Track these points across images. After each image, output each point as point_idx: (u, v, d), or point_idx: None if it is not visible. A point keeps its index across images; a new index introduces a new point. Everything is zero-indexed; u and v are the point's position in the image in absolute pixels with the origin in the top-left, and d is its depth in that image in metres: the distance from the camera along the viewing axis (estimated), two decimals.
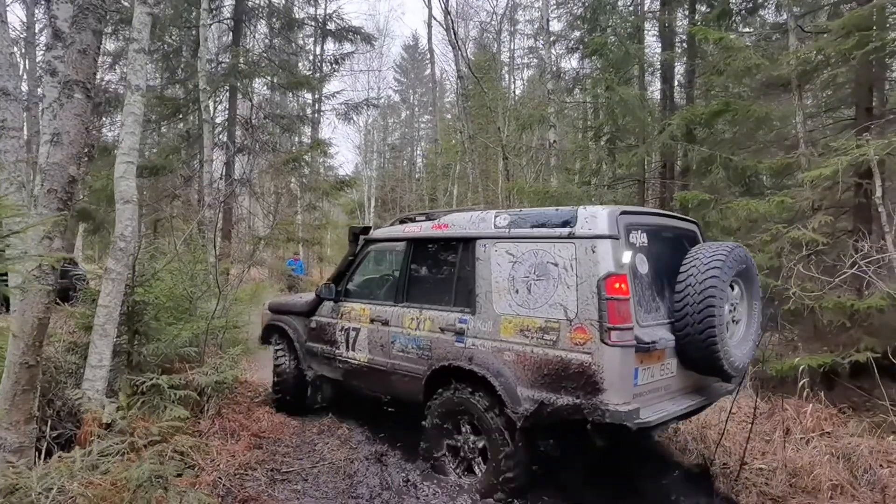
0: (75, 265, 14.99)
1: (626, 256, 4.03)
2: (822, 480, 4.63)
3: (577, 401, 3.90)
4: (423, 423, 4.82)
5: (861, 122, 8.68)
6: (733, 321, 4.56)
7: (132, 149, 5.42)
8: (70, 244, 16.55)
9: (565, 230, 4.13)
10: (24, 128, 6.63)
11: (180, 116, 16.90)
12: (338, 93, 21.20)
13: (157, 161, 15.10)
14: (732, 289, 4.52)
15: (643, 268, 4.23)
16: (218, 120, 15.82)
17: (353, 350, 5.62)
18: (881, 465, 4.77)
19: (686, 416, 4.76)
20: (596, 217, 4.03)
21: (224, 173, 15.23)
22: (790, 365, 6.90)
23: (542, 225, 4.31)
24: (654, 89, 15.19)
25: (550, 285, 4.14)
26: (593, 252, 3.95)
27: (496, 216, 4.68)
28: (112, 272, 5.05)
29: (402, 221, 5.88)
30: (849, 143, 7.22)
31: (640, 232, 4.29)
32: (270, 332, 6.71)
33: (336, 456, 5.09)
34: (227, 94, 15.75)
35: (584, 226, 4.04)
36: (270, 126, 16.64)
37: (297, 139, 19.87)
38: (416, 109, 41.67)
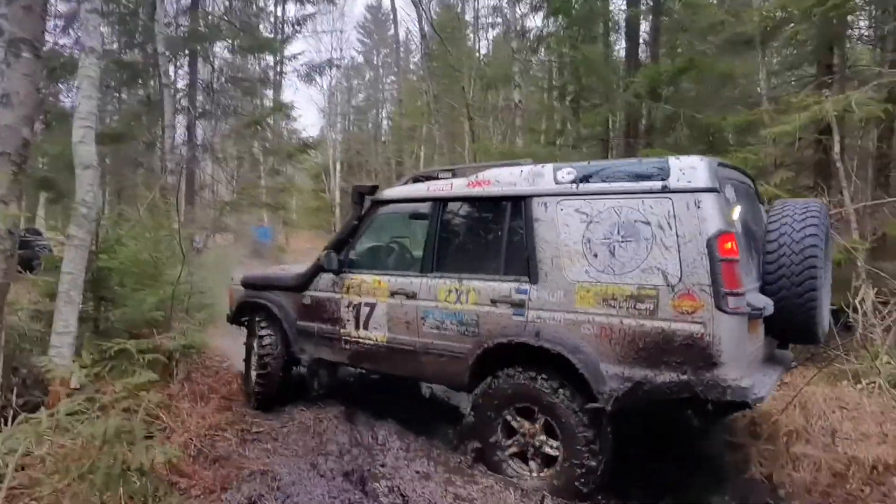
0: (38, 235, 14.59)
1: (736, 212, 3.69)
2: (780, 428, 4.83)
3: (685, 377, 3.44)
4: (470, 412, 4.26)
5: (822, 79, 8.86)
6: (822, 285, 4.13)
7: (90, 113, 5.25)
8: (32, 214, 16.06)
9: (657, 184, 3.63)
10: None
11: (140, 82, 16.35)
12: (299, 54, 20.73)
13: (118, 128, 14.66)
14: (823, 250, 4.09)
15: (739, 225, 3.77)
16: (179, 85, 15.38)
17: (366, 329, 4.85)
18: (833, 411, 4.99)
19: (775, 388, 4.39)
20: (695, 168, 3.57)
21: (186, 139, 14.87)
22: None
23: (622, 179, 3.78)
24: (619, 48, 15.15)
25: (642, 247, 3.62)
26: (697, 208, 3.48)
27: (556, 170, 4.07)
28: (74, 238, 4.95)
29: (417, 180, 5.18)
30: (808, 100, 7.35)
31: (729, 185, 3.88)
32: (246, 312, 5.88)
33: (305, 416, 5.12)
34: (188, 58, 15.27)
35: (681, 178, 3.57)
36: (232, 90, 16.23)
37: (259, 102, 19.44)
38: (381, 71, 41.00)
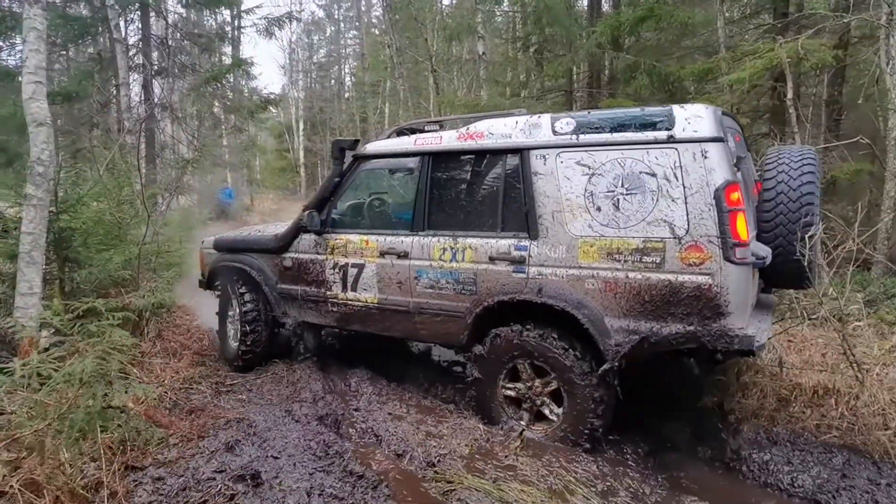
0: None
1: (739, 162, 3.63)
2: (731, 361, 5.11)
3: (692, 328, 3.47)
4: (471, 370, 4.27)
5: (777, 27, 9.00)
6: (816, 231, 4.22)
7: (39, 68, 5.08)
8: None
9: (662, 133, 3.54)
10: None
11: (89, 38, 15.68)
12: (257, 7, 20.07)
13: (70, 86, 14.10)
14: (819, 198, 4.14)
15: (740, 175, 3.71)
16: (131, 41, 14.80)
17: (354, 290, 4.74)
18: (782, 344, 5.29)
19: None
20: (701, 117, 3.49)
21: (143, 97, 14.42)
22: None
23: (625, 128, 3.67)
24: None
25: (647, 199, 3.55)
26: (704, 158, 3.42)
27: (554, 121, 3.94)
28: (33, 198, 4.87)
29: (400, 133, 4.99)
30: (762, 47, 7.49)
31: (730, 134, 3.81)
32: (221, 276, 5.69)
33: (278, 368, 5.24)
34: (139, 12, 14.67)
35: (687, 127, 3.49)
36: (188, 46, 15.70)
37: (216, 59, 18.86)
38: (342, 25, 39.90)
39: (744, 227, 3.39)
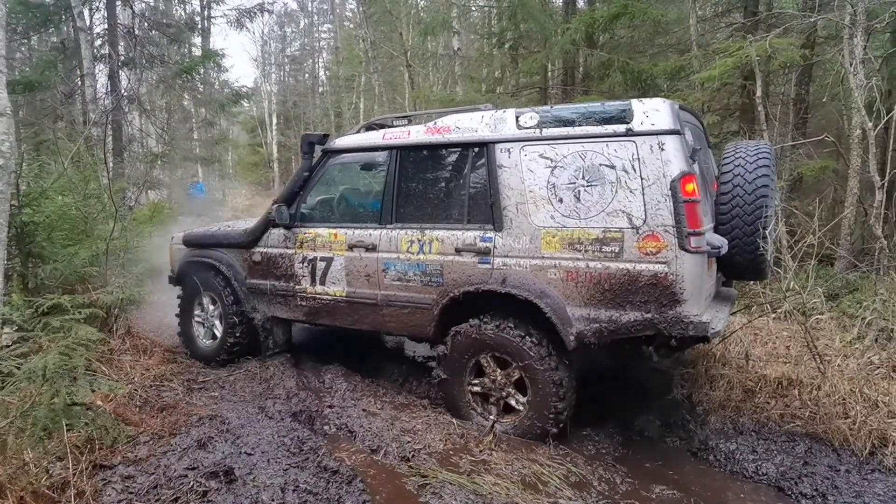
0: None
1: (694, 154, 3.73)
2: (699, 353, 5.22)
3: (649, 315, 3.58)
4: (438, 359, 4.33)
5: (748, 25, 9.15)
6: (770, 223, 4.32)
7: None
8: None
9: (620, 126, 3.65)
10: None
11: (52, 26, 15.23)
12: None
13: (32, 76, 13.71)
14: (773, 191, 4.25)
15: (696, 166, 3.82)
16: (97, 30, 14.42)
17: (323, 284, 4.78)
18: (748, 337, 5.42)
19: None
20: (658, 111, 3.62)
21: (109, 89, 14.07)
22: None
23: (586, 122, 3.78)
24: None
25: (607, 190, 3.67)
26: (661, 150, 3.54)
27: (518, 115, 4.04)
28: None
29: (370, 128, 5.05)
30: (732, 45, 7.62)
31: (688, 128, 3.95)
32: (190, 272, 5.63)
33: (251, 365, 5.18)
34: (104, 0, 14.30)
35: (645, 121, 3.61)
36: (156, 36, 15.36)
37: (186, 51, 18.51)
38: (316, 18, 39.51)
39: (698, 217, 3.50)
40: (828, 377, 4.37)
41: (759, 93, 7.87)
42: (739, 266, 4.19)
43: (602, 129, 3.70)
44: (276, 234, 5.04)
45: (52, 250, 5.51)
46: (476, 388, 4.20)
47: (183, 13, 20.14)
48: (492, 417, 4.07)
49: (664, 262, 3.51)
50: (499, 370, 4.10)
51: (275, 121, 34.22)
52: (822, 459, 3.78)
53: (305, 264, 4.86)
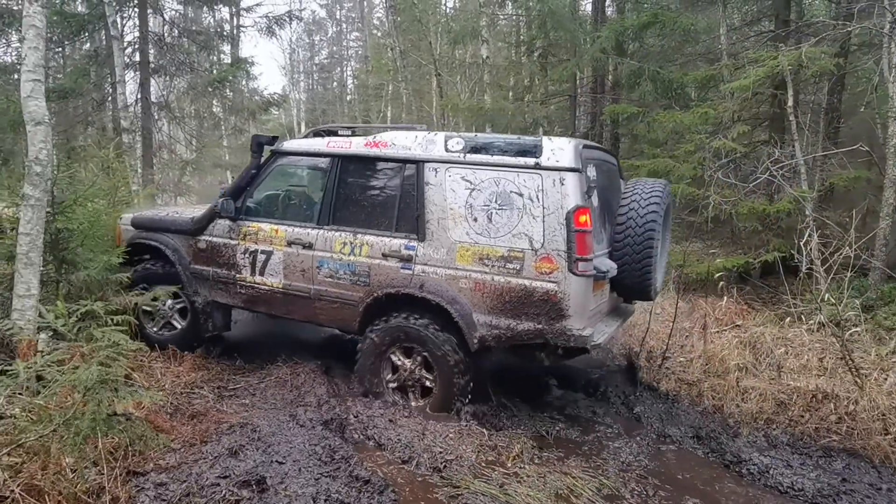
0: None
1: (591, 189, 4.23)
2: (730, 365, 5.13)
3: (540, 326, 4.08)
4: (359, 352, 4.71)
5: (778, 34, 9.02)
6: (658, 253, 4.78)
7: (37, 65, 5.02)
8: None
9: (531, 160, 4.13)
10: None
11: (86, 35, 15.58)
12: (257, 5, 19.96)
13: (66, 84, 14.02)
14: (661, 224, 4.69)
15: (595, 200, 4.37)
16: (128, 38, 14.71)
17: (262, 275, 5.11)
18: (780, 348, 5.32)
19: (613, 336, 5.12)
20: (563, 149, 4.10)
21: (139, 96, 14.34)
22: (709, 267, 7.42)
23: (503, 153, 4.25)
24: (587, 2, 15.12)
25: (514, 215, 4.14)
26: (562, 184, 4.02)
27: (447, 139, 4.48)
28: (31, 198, 4.80)
29: (318, 134, 5.40)
30: (764, 55, 7.51)
31: (592, 165, 4.44)
32: (137, 253, 5.70)
33: (282, 372, 5.17)
34: (136, 9, 14.59)
35: (552, 157, 4.08)
36: (186, 44, 15.62)
37: (215, 58, 18.79)
38: (344, 26, 39.90)
39: (587, 245, 3.98)
40: (865, 391, 4.27)
41: (790, 102, 7.75)
42: (628, 288, 4.67)
43: (516, 160, 4.18)
44: (222, 224, 5.33)
45: (85, 257, 5.60)
46: (393, 379, 4.62)
47: (212, 20, 20.49)
48: (412, 404, 4.53)
49: (555, 282, 4.02)
50: (413, 359, 4.54)
51: (303, 128, 34.50)
52: (861, 476, 3.70)
53: (247, 255, 5.19)
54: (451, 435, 3.97)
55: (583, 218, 3.98)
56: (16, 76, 12.48)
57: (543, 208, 4.06)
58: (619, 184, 5.25)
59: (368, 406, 4.45)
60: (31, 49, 4.99)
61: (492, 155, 4.28)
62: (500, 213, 4.20)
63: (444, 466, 3.55)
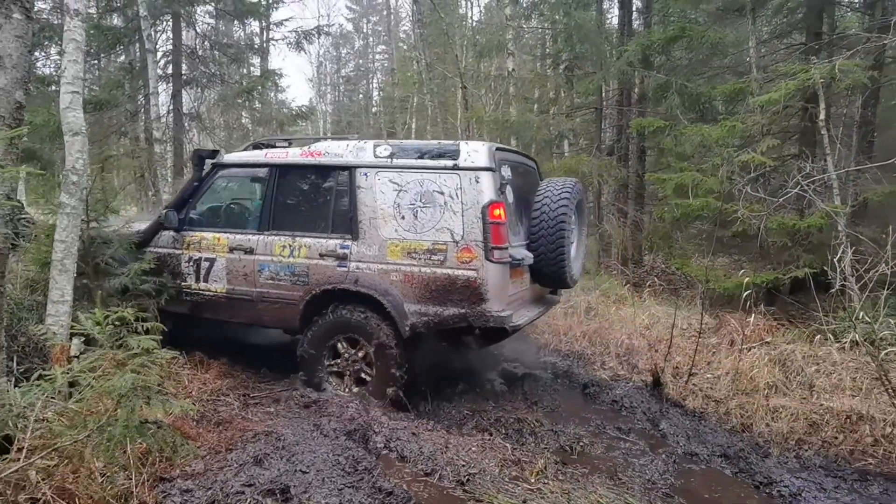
0: (21, 209, 14.35)
1: (504, 186, 4.68)
2: (760, 382, 5.03)
3: (463, 310, 4.50)
4: (301, 347, 5.00)
5: (810, 46, 8.89)
6: (571, 243, 5.22)
7: (76, 78, 5.17)
8: (12, 188, 15.72)
9: (450, 162, 4.57)
10: None
11: (121, 48, 15.99)
12: (286, 20, 20.30)
13: (101, 95, 14.38)
14: (572, 217, 5.15)
15: (510, 197, 4.87)
16: (162, 51, 15.06)
17: (206, 281, 5.41)
18: (811, 367, 5.20)
19: (534, 320, 5.48)
20: (478, 151, 4.57)
21: (171, 107, 14.65)
22: (736, 283, 7.29)
23: (426, 156, 4.69)
24: (613, 15, 15.10)
25: (437, 212, 4.57)
26: (477, 182, 4.48)
27: (376, 146, 4.90)
28: (66, 206, 4.93)
29: (256, 146, 5.76)
30: (795, 68, 7.40)
31: (506, 166, 4.93)
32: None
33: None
34: (170, 22, 14.94)
35: (468, 159, 4.54)
36: (217, 56, 15.93)
37: (245, 70, 19.13)
38: (371, 39, 40.36)
39: (501, 235, 4.43)
40: None
41: (822, 115, 7.62)
42: (546, 276, 5.15)
43: (437, 162, 4.62)
44: (167, 236, 5.61)
45: (117, 263, 5.71)
46: (332, 357, 4.97)
47: (243, 34, 20.89)
48: (345, 392, 4.88)
49: (474, 270, 4.46)
50: (351, 349, 4.91)
51: None
52: None
53: (191, 263, 5.49)
54: (473, 448, 3.96)
55: (497, 211, 4.43)
56: (54, 87, 12.83)
57: (462, 204, 4.50)
58: (536, 183, 5.61)
59: (391, 417, 4.45)
60: (71, 62, 5.14)
61: (416, 159, 4.72)
62: (424, 210, 4.62)
63: (468, 480, 3.52)
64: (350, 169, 4.90)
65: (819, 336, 5.74)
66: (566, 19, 11.11)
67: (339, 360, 4.97)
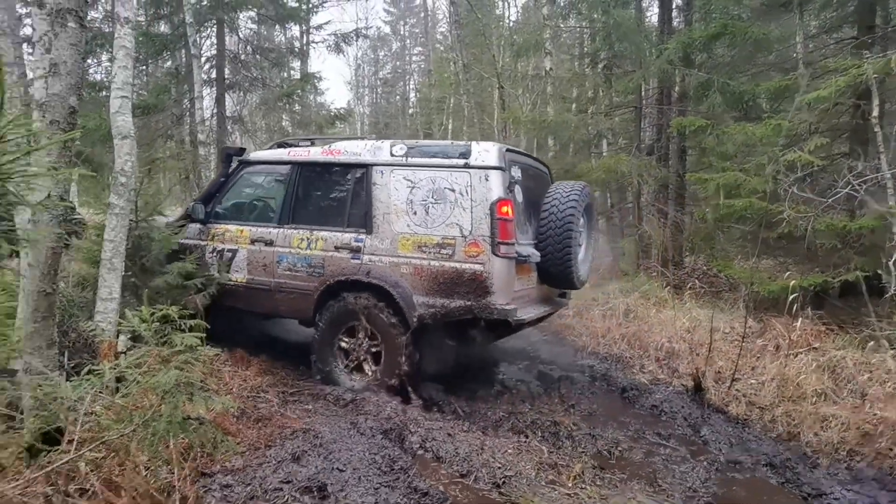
0: (73, 210, 14.89)
1: (512, 185, 4.84)
2: (807, 389, 4.87)
3: (469, 303, 4.65)
4: (315, 336, 5.22)
5: (862, 41, 8.57)
6: (578, 245, 5.39)
7: (126, 83, 5.35)
8: (65, 190, 16.29)
9: (461, 161, 4.78)
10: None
11: (167, 53, 16.45)
12: (325, 24, 20.57)
13: (149, 100, 14.81)
14: (581, 220, 5.36)
15: (519, 196, 5.06)
16: (206, 56, 15.44)
17: (228, 271, 5.71)
18: (862, 374, 4.99)
19: (543, 318, 5.71)
20: (489, 151, 4.77)
21: (215, 110, 15.00)
22: (782, 285, 7.07)
23: (439, 155, 4.91)
24: (652, 13, 14.83)
25: (447, 208, 4.78)
26: (486, 180, 4.67)
27: (392, 145, 5.14)
28: (115, 207, 5.09)
29: (280, 145, 6.04)
30: (847, 63, 7.14)
31: (517, 167, 5.13)
32: None
33: None
34: (214, 28, 15.31)
35: (479, 158, 4.74)
36: (259, 60, 16.25)
37: (285, 74, 19.44)
38: (408, 41, 40.59)
39: (508, 231, 4.62)
40: None
41: (875, 112, 7.32)
42: (553, 276, 5.28)
43: (449, 161, 4.83)
44: (193, 227, 5.95)
45: (162, 262, 5.87)
46: (344, 345, 5.16)
47: (283, 38, 21.24)
48: (354, 381, 5.06)
49: (481, 263, 4.63)
50: (360, 338, 5.08)
51: None
52: None
53: (214, 254, 5.80)
54: (509, 450, 3.93)
55: (504, 208, 4.62)
56: (104, 92, 13.26)
57: (471, 201, 4.70)
58: (549, 184, 5.84)
59: (427, 417, 4.46)
60: (121, 68, 5.31)
61: (430, 158, 4.94)
62: (435, 206, 4.83)
63: (504, 483, 3.50)
64: (367, 167, 5.14)
65: (872, 342, 5.51)
66: (605, 18, 10.95)
67: (349, 349, 5.16)
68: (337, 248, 5.16)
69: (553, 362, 6.35)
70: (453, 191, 4.78)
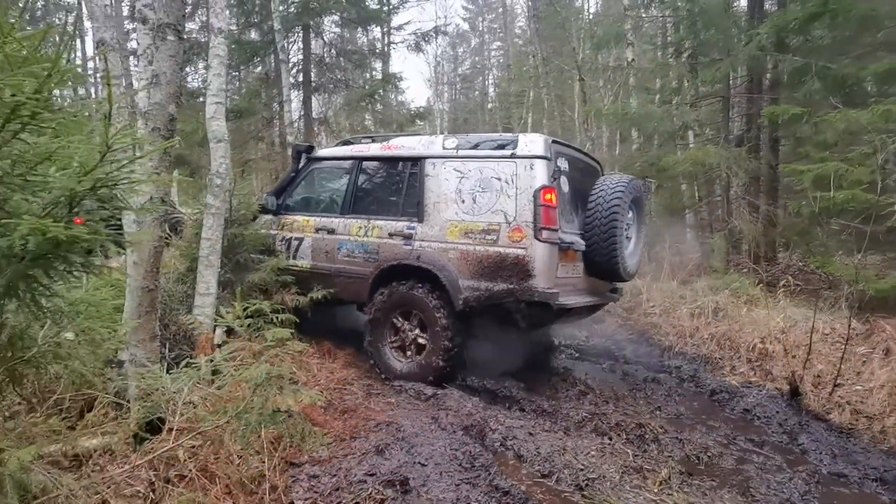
0: (174, 209, 15.87)
1: (557, 174, 5.04)
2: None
3: (512, 286, 4.86)
4: (368, 317, 5.55)
5: None
6: (626, 238, 5.63)
7: (220, 90, 5.66)
8: (166, 192, 17.33)
9: (507, 151, 5.04)
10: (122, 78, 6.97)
11: (258, 59, 17.20)
12: (406, 24, 20.83)
13: (241, 104, 15.57)
14: (628, 212, 5.54)
15: (565, 187, 5.30)
16: (293, 60, 16.03)
17: (294, 258, 6.16)
18: None
19: (590, 309, 5.95)
20: (534, 142, 5.01)
21: (302, 112, 15.55)
22: (891, 284, 6.57)
23: (487, 147, 5.19)
24: None
25: (493, 196, 5.04)
26: (531, 169, 4.90)
27: (444, 139, 5.50)
28: (212, 207, 5.40)
29: (344, 143, 6.51)
30: None
31: (563, 158, 5.36)
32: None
33: None
34: (300, 33, 15.87)
35: (524, 149, 4.99)
36: (343, 63, 16.70)
37: (368, 75, 19.87)
38: (486, 37, 40.49)
39: (551, 217, 4.81)
40: None
41: None
42: (598, 265, 5.45)
43: (497, 152, 5.11)
44: (266, 219, 6.47)
45: (255, 259, 6.17)
46: (394, 327, 5.44)
47: (365, 40, 21.71)
48: (402, 362, 5.34)
49: (524, 248, 4.84)
50: (412, 318, 5.36)
51: None
52: None
53: (284, 242, 6.30)
54: (592, 452, 3.86)
55: (548, 196, 4.82)
56: (200, 99, 14.05)
57: (516, 189, 4.93)
58: (599, 176, 6.01)
59: (508, 415, 4.45)
60: (215, 76, 5.62)
61: (478, 149, 5.23)
62: (482, 195, 5.10)
63: (587, 485, 3.44)
64: (421, 159, 5.50)
65: None
66: (689, 5, 10.50)
67: (398, 331, 5.44)
68: (391, 235, 5.54)
69: (638, 362, 6.20)
70: (499, 179, 5.02)
